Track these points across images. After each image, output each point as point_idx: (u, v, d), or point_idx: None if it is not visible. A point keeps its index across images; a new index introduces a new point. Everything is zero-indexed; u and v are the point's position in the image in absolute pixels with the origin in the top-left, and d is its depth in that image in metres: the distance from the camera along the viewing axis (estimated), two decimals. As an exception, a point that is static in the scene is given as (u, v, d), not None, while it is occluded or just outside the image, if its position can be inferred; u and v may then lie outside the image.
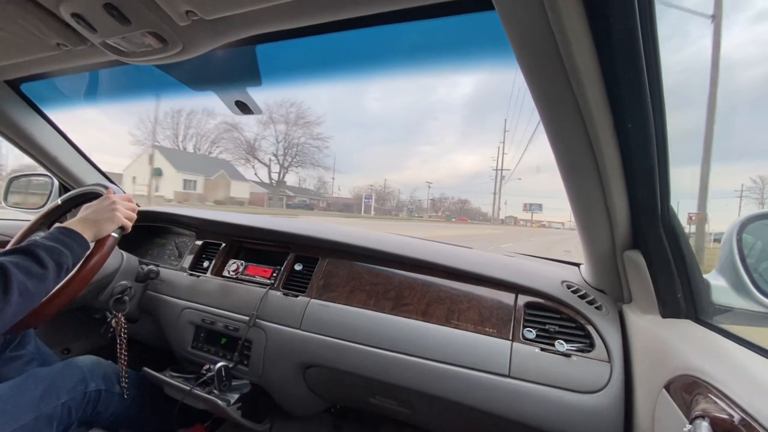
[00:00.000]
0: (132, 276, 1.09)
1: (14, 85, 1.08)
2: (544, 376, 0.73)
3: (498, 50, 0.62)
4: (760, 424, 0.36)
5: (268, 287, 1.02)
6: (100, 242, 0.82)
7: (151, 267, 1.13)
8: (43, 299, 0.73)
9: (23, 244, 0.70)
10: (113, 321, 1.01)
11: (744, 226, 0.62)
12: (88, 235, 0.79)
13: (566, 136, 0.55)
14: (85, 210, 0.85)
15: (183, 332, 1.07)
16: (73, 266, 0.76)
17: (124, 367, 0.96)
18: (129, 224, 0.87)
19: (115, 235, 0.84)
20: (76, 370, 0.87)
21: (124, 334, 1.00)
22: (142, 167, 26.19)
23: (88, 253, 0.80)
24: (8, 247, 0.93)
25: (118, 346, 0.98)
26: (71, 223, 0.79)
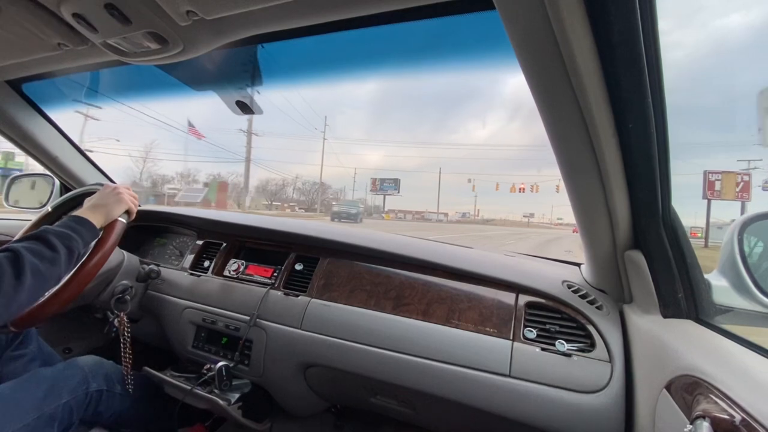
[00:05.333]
0: (133, 276, 1.10)
1: (15, 85, 1.09)
2: (544, 375, 0.73)
3: (498, 50, 0.61)
4: (761, 425, 0.36)
5: (268, 287, 1.02)
6: (108, 227, 0.84)
7: (152, 267, 1.14)
8: (57, 286, 0.75)
9: (34, 231, 0.72)
10: (116, 321, 1.01)
11: (745, 225, 0.62)
12: (98, 221, 0.81)
13: (567, 136, 0.55)
14: (89, 200, 0.87)
15: (184, 332, 1.07)
16: (84, 251, 0.77)
17: (128, 367, 0.96)
18: (135, 209, 0.90)
19: (122, 220, 0.87)
20: (78, 371, 0.88)
21: (128, 333, 1.00)
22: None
23: (98, 239, 0.82)
24: None
25: (121, 345, 0.98)
26: (80, 211, 0.81)
